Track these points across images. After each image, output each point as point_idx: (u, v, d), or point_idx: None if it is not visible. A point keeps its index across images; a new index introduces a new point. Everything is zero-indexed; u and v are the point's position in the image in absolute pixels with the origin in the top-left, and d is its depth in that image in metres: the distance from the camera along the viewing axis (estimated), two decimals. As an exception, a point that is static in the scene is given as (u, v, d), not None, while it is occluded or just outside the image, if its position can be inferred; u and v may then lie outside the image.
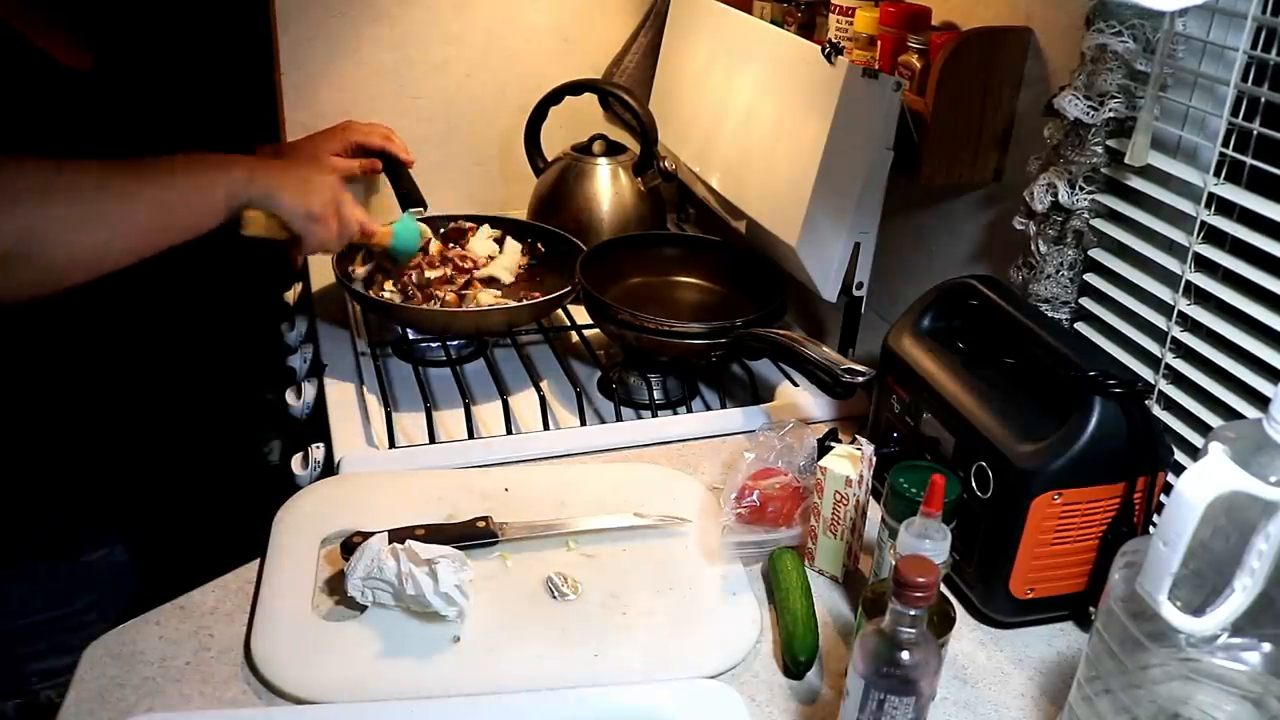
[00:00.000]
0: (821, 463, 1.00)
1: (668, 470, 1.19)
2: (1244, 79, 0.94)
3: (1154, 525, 0.86)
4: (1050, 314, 1.13)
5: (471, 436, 1.24)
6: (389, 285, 1.42)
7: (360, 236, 1.28)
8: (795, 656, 0.91)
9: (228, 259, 1.43)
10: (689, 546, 1.06)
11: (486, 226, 1.56)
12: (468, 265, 1.47)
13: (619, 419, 1.29)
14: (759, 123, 1.46)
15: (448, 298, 1.41)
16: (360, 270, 1.46)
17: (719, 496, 1.08)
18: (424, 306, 1.38)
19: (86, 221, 0.99)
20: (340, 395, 1.32)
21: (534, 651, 0.92)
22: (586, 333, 1.45)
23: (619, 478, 1.16)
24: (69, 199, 0.97)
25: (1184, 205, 1.00)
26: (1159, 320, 1.04)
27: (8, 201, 0.93)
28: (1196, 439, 1.01)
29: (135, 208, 1.02)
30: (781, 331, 1.26)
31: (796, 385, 1.37)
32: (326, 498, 1.10)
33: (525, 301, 1.39)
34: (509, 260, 1.52)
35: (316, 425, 1.33)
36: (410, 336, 1.41)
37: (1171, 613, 0.68)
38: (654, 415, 1.32)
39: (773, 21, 1.51)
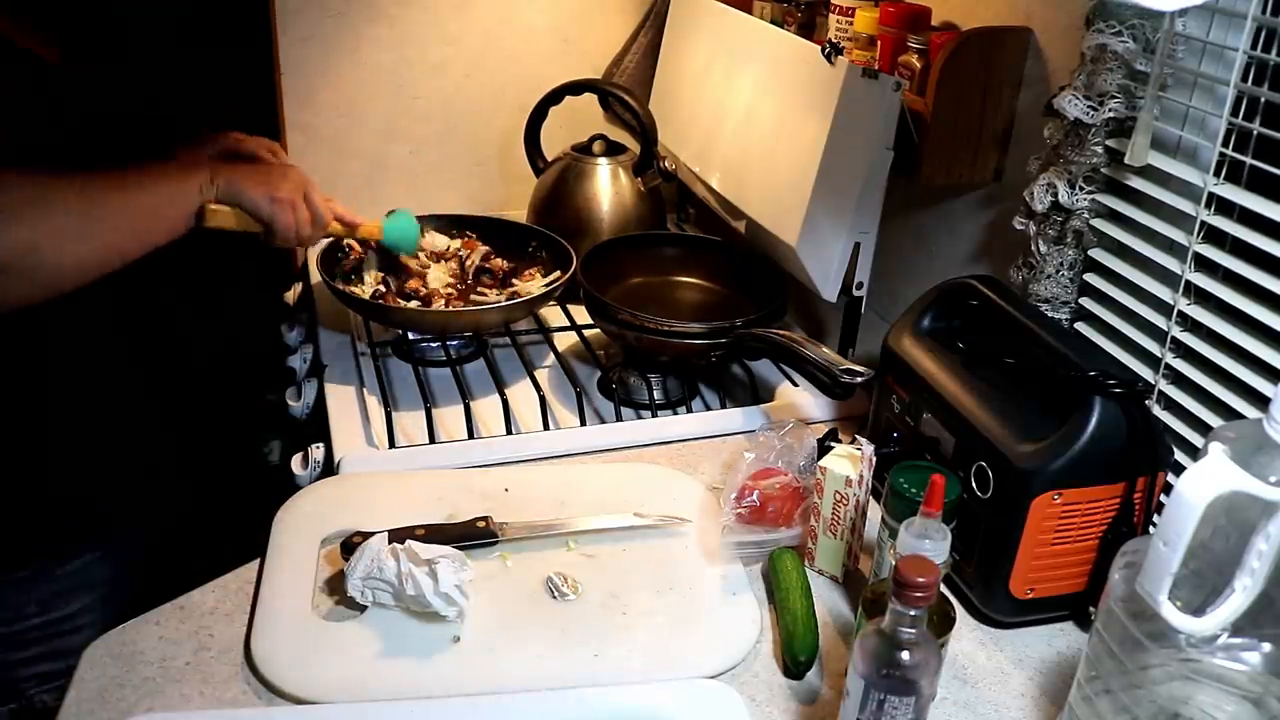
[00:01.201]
0: (821, 463, 1.00)
1: (668, 470, 1.19)
2: (1244, 79, 0.94)
3: (1154, 525, 0.86)
4: (1050, 314, 1.13)
5: (471, 436, 1.24)
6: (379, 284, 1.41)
7: (340, 228, 1.27)
8: (795, 656, 0.91)
9: (228, 260, 1.43)
10: (689, 546, 1.06)
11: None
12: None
13: (619, 419, 1.29)
14: (759, 123, 1.46)
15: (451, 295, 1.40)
16: (370, 278, 1.45)
17: (719, 496, 1.08)
18: (415, 306, 1.37)
19: (78, 232, 1.00)
20: (340, 395, 1.32)
21: (534, 651, 0.92)
22: (586, 333, 1.45)
23: (619, 478, 1.16)
24: (62, 211, 0.99)
25: (1184, 205, 1.00)
26: (1159, 320, 1.04)
27: (5, 216, 0.95)
28: (1196, 439, 1.01)
29: (120, 215, 1.04)
30: (781, 332, 1.26)
31: (796, 385, 1.37)
32: (326, 498, 1.10)
33: (518, 300, 1.38)
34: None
35: (316, 425, 1.33)
36: (410, 337, 1.41)
37: (1171, 613, 0.68)
38: (654, 415, 1.32)
39: (773, 21, 1.51)
